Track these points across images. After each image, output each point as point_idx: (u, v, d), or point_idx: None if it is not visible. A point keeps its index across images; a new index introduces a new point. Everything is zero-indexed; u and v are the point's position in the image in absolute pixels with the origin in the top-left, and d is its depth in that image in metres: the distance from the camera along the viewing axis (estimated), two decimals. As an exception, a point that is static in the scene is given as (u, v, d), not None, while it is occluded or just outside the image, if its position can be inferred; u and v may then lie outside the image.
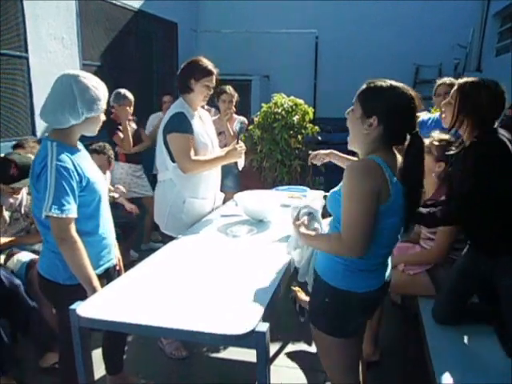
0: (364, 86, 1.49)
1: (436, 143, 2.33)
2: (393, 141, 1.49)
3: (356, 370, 1.72)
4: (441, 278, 2.34)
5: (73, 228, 1.72)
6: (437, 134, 2.40)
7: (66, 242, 1.70)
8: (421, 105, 1.47)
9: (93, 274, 1.77)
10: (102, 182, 1.91)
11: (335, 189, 1.55)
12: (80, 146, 1.88)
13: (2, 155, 2.67)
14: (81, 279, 1.75)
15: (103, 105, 1.81)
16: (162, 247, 2.17)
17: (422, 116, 3.55)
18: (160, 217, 2.60)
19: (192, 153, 2.42)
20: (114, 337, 2.15)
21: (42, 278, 1.87)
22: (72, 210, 1.70)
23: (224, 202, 2.95)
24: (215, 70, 2.50)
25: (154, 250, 2.14)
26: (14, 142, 3.16)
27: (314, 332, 1.65)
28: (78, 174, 1.75)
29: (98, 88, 1.79)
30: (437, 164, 2.33)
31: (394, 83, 1.46)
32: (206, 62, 2.48)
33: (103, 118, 1.89)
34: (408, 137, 1.46)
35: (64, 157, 1.72)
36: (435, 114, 3.45)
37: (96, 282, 1.77)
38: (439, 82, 3.24)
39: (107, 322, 1.46)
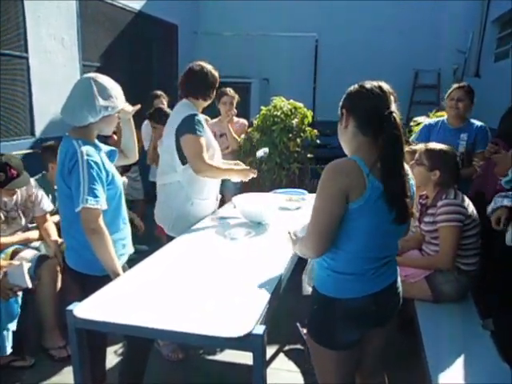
0: None
1: (424, 151, 2.40)
2: (364, 131, 1.46)
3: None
4: (439, 284, 2.35)
5: (102, 219, 1.83)
6: (424, 145, 2.47)
7: (97, 233, 1.81)
8: (396, 100, 1.46)
9: (118, 263, 1.89)
10: (119, 177, 2.06)
11: None
12: (97, 142, 2.01)
13: None
14: (109, 268, 1.86)
15: (119, 105, 1.94)
16: (146, 249, 2.19)
17: (428, 120, 3.51)
18: (165, 219, 2.59)
19: (205, 154, 2.44)
20: (94, 346, 2.04)
21: (77, 275, 1.98)
22: (103, 201, 1.83)
23: (223, 205, 2.96)
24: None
25: (139, 252, 2.19)
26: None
27: (308, 338, 1.65)
28: (105, 169, 1.88)
29: (115, 89, 1.94)
30: (431, 173, 2.37)
31: (362, 82, 1.49)
32: (215, 72, 2.59)
33: (118, 119, 2.04)
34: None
35: (92, 152, 1.85)
36: (442, 117, 3.36)
37: (121, 272, 1.88)
38: (456, 85, 3.17)
39: (104, 324, 1.46)
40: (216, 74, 2.57)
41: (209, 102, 2.63)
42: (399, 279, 1.66)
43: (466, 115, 3.17)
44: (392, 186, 1.41)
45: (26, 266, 2.46)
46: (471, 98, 3.12)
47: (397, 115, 1.42)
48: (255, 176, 2.72)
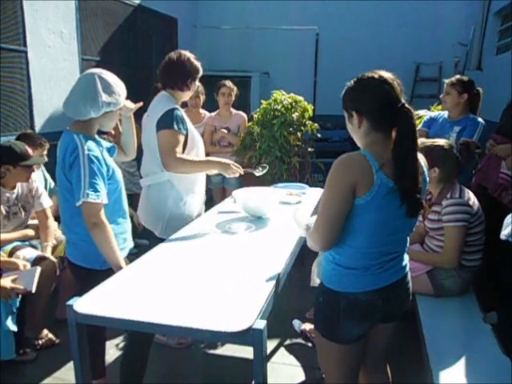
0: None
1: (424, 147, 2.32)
2: (378, 126, 1.43)
3: (351, 377, 1.64)
4: (441, 279, 2.35)
5: (103, 213, 1.83)
6: (421, 142, 2.40)
7: (99, 227, 1.82)
8: (400, 85, 1.44)
9: (121, 256, 1.90)
10: (120, 172, 2.06)
11: None
12: (98, 137, 2.02)
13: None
14: (111, 262, 1.87)
15: (121, 101, 1.95)
16: (147, 243, 2.17)
17: (430, 114, 3.49)
18: (156, 222, 2.40)
19: (178, 150, 2.24)
20: (93, 341, 1.97)
21: (78, 269, 1.99)
22: (104, 195, 1.84)
23: (224, 199, 2.95)
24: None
25: (140, 246, 2.17)
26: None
27: (314, 331, 1.68)
28: (105, 164, 1.89)
29: (118, 85, 1.95)
30: (431, 170, 2.29)
31: (360, 76, 1.46)
32: (197, 61, 2.39)
33: (119, 116, 2.05)
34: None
35: (93, 147, 1.86)
36: (443, 112, 3.31)
37: (124, 265, 1.88)
38: (446, 80, 3.15)
39: (104, 318, 1.46)
40: (197, 63, 2.36)
41: (188, 93, 2.42)
42: (409, 275, 1.62)
43: (456, 108, 3.07)
44: (404, 180, 1.39)
45: (39, 270, 2.47)
46: (459, 91, 3.01)
47: (409, 106, 1.41)
48: (240, 172, 2.47)
